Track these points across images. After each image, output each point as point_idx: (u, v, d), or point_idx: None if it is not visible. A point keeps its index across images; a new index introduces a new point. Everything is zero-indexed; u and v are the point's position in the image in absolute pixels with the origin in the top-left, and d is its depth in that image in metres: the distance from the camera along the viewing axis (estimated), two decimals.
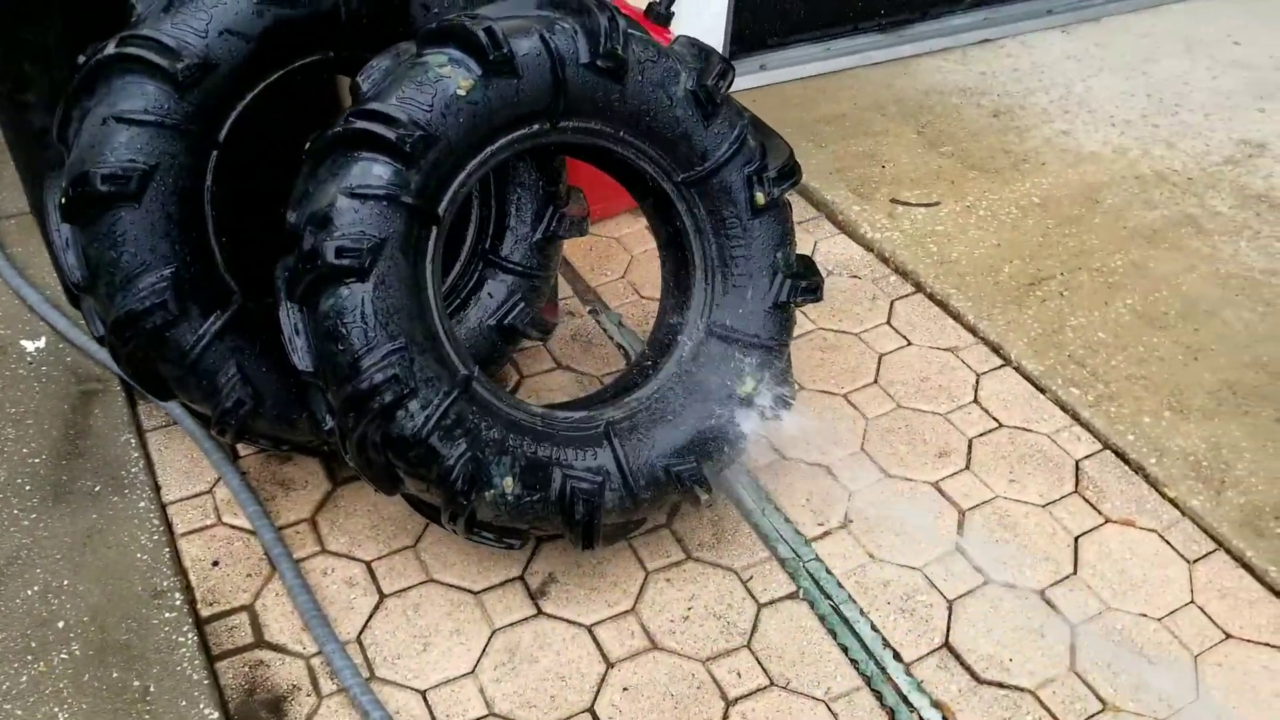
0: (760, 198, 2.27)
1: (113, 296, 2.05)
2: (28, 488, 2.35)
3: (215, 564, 2.27)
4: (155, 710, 1.98)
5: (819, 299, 2.34)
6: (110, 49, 2.00)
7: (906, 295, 3.09)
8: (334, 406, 2.02)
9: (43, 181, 2.41)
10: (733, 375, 2.27)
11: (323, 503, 2.41)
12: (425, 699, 2.06)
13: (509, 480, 2.03)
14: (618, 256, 3.18)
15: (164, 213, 2.04)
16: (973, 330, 2.96)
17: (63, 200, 2.01)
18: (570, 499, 2.07)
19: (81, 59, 2.09)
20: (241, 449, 2.50)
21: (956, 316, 3.00)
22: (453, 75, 2.00)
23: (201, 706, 2.00)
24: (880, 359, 2.87)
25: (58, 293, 2.79)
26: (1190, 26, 4.54)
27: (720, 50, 3.10)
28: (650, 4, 3.18)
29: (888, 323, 2.99)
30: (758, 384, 2.25)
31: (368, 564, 2.29)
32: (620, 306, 3.02)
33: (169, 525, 2.33)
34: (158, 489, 2.40)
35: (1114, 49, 4.36)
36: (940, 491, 2.51)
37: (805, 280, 2.31)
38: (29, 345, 2.67)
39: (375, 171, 1.95)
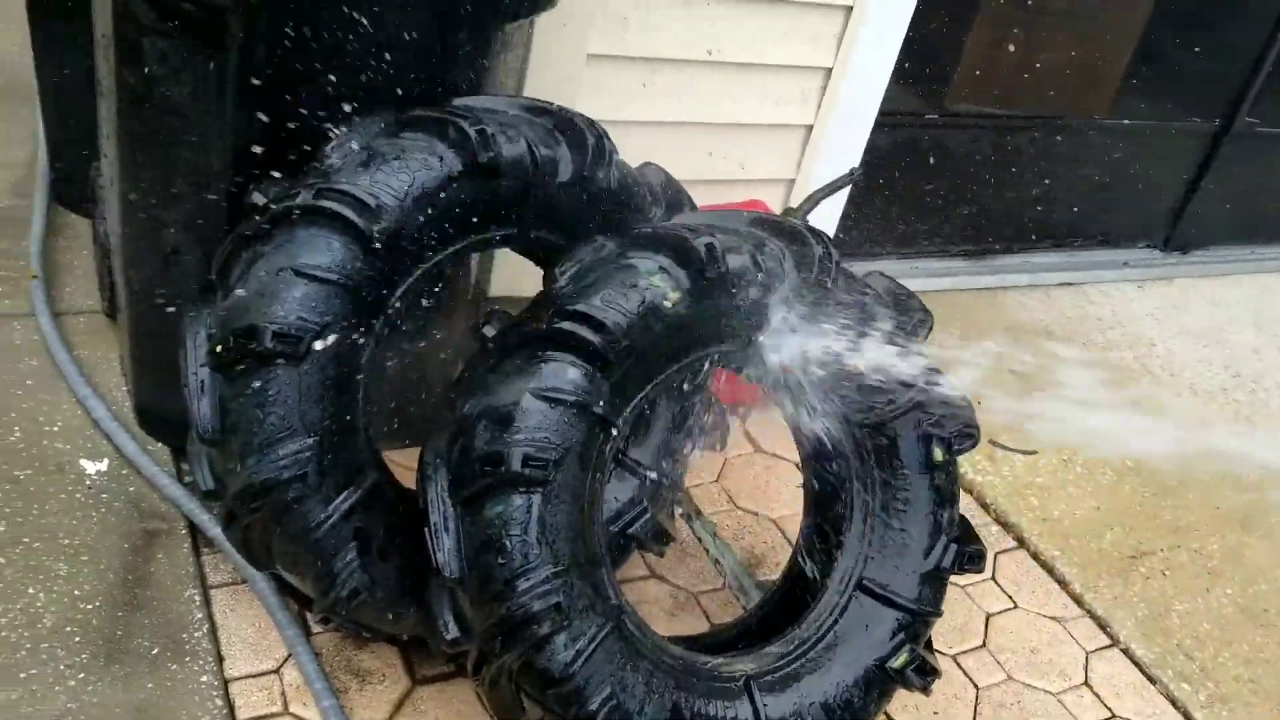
0: (938, 454, 2.13)
1: (246, 458, 1.84)
2: (77, 639, 2.08)
3: None
4: None
5: (980, 570, 2.19)
6: (305, 198, 1.84)
7: (1009, 549, 2.95)
8: (472, 622, 1.81)
9: (163, 300, 2.24)
10: (882, 640, 2.09)
11: (401, 703, 2.16)
12: None
13: None
14: (711, 460, 3.02)
15: (322, 376, 1.86)
16: (1078, 600, 2.83)
17: (218, 348, 1.82)
18: None
19: (259, 198, 1.93)
20: (314, 623, 2.25)
21: (1062, 582, 2.87)
22: (662, 285, 1.87)
23: None
24: (988, 619, 2.71)
25: (125, 409, 2.56)
26: (1260, 300, 4.59)
27: None
28: (786, 210, 3.11)
29: (992, 578, 2.84)
30: (910, 655, 2.07)
31: None
32: (714, 514, 2.84)
33: (231, 707, 2.06)
34: (220, 660, 2.14)
35: (1189, 313, 4.39)
36: None
37: (969, 547, 2.16)
38: (90, 467, 2.43)
39: (570, 375, 1.79)
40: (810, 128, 3.32)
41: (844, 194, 3.48)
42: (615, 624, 1.82)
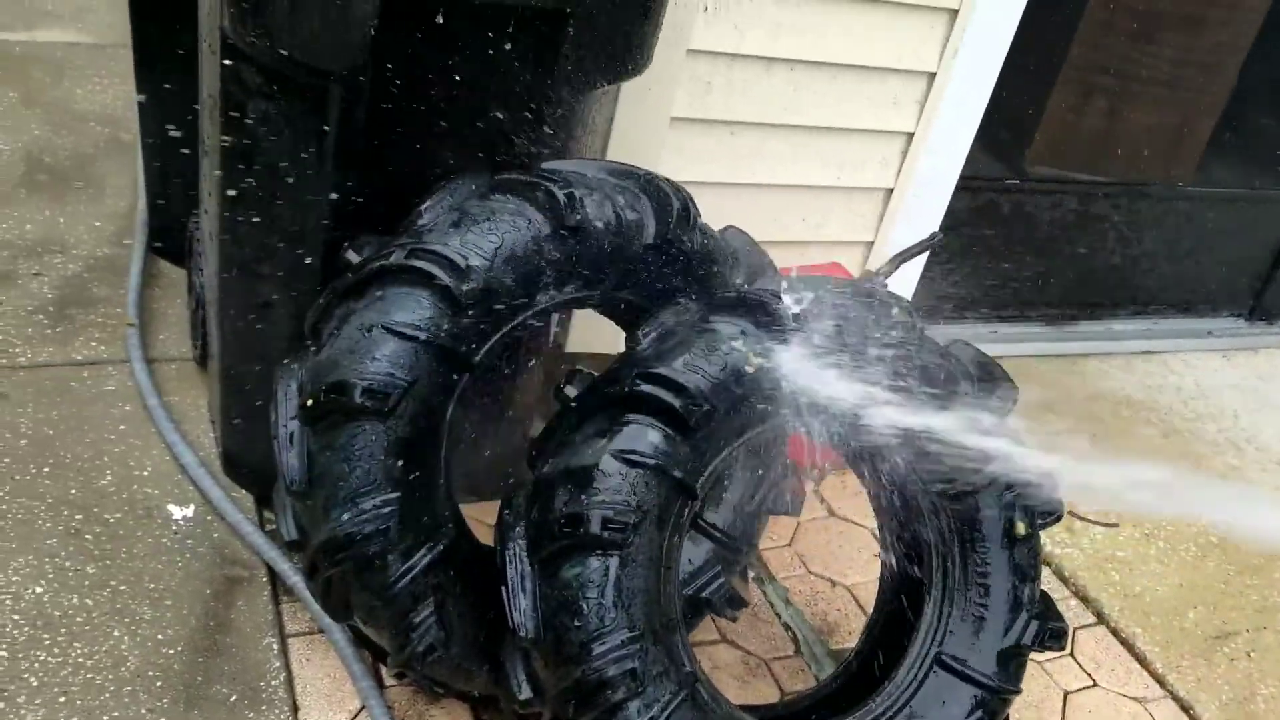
0: (1021, 528, 2.10)
1: (330, 511, 1.87)
2: (159, 684, 2.12)
3: None
4: None
5: (1061, 648, 2.14)
6: (396, 257, 1.89)
7: (1089, 625, 2.88)
8: (545, 684, 1.81)
9: (254, 351, 2.30)
10: (959, 717, 2.05)
11: None
12: None
13: None
14: (784, 523, 3.00)
15: (407, 432, 1.89)
16: (1160, 680, 2.74)
17: (310, 402, 1.86)
18: None
19: (353, 256, 1.98)
20: (387, 677, 2.27)
21: (1143, 661, 2.79)
22: (744, 349, 1.88)
23: None
24: (1065, 697, 2.64)
25: (213, 456, 2.63)
26: None
27: None
28: (865, 273, 3.11)
29: (1071, 654, 2.77)
30: None
31: None
32: (786, 579, 2.82)
33: None
34: (296, 709, 2.16)
35: (1276, 385, 4.27)
36: None
37: (1051, 625, 2.11)
38: (177, 512, 2.48)
39: (650, 438, 1.80)
40: (890, 191, 3.32)
41: (924, 258, 3.47)
42: (689, 692, 1.81)
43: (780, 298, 1.91)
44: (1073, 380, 3.98)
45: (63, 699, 2.04)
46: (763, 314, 1.90)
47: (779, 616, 2.69)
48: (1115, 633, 2.86)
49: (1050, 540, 3.10)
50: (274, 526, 2.40)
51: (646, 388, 1.81)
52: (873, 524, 3.02)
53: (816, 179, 3.18)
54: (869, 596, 2.78)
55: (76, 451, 2.55)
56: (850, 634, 2.68)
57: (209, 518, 2.49)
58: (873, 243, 3.42)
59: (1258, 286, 4.68)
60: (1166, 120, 4.10)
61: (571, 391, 1.93)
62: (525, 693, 1.87)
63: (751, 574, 2.80)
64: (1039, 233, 4.02)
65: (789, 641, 2.63)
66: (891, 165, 3.28)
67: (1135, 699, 2.68)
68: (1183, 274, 4.46)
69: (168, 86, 2.74)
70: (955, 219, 3.49)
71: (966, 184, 3.45)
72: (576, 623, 1.74)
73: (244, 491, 2.56)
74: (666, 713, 1.76)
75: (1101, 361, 4.15)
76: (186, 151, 2.53)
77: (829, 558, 2.91)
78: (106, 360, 2.85)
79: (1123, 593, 2.98)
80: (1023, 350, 4.01)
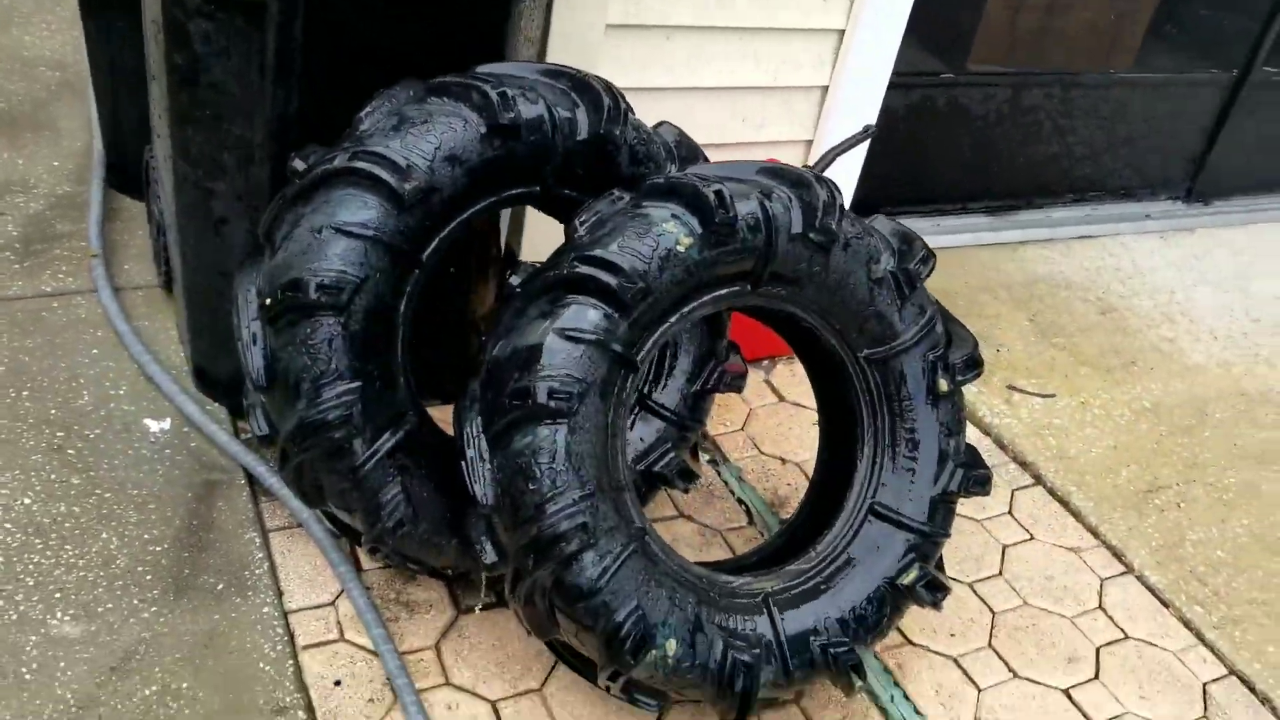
0: (943, 384, 2.26)
1: (295, 402, 2.00)
2: (149, 577, 2.27)
3: (337, 683, 2.17)
4: None
5: (987, 493, 2.31)
6: (340, 160, 2.00)
7: (1026, 486, 3.06)
8: (507, 545, 1.97)
9: (214, 267, 2.41)
10: (892, 560, 2.22)
11: (447, 630, 2.33)
12: None
13: (672, 643, 1.97)
14: (737, 408, 3.16)
15: (362, 326, 2.02)
16: (1094, 532, 2.93)
17: (268, 301, 1.98)
18: (731, 669, 2.00)
19: (299, 164, 2.09)
20: (365, 562, 2.42)
21: (1077, 515, 2.98)
22: (675, 231, 2.00)
23: None
24: (1004, 550, 2.82)
25: (183, 374, 2.75)
26: None
27: None
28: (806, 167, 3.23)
29: (1009, 512, 2.95)
30: (920, 572, 2.20)
31: (493, 704, 2.20)
32: (740, 460, 2.98)
33: (291, 635, 2.24)
34: (280, 594, 2.31)
35: (1210, 262, 4.44)
36: (1070, 699, 2.45)
37: (976, 472, 2.28)
38: (153, 425, 2.61)
39: (590, 316, 1.93)
40: (826, 89, 3.42)
41: (862, 152, 3.59)
42: (639, 544, 1.97)
43: (706, 181, 2.03)
44: (1012, 265, 4.13)
45: (58, 595, 2.18)
46: (691, 197, 2.01)
47: (732, 493, 2.86)
48: (1051, 492, 3.05)
49: (989, 411, 3.28)
50: (249, 435, 2.54)
51: (585, 269, 1.94)
52: None
53: (754, 80, 3.28)
54: None
55: (53, 376, 2.67)
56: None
57: (185, 429, 2.62)
58: (811, 141, 3.53)
59: (1193, 170, 4.83)
60: (1100, 9, 4.20)
61: (515, 280, 2.06)
62: (490, 556, 2.02)
63: (706, 456, 2.96)
64: (975, 125, 4.14)
65: (742, 514, 2.80)
66: (826, 64, 3.38)
67: (1070, 549, 2.87)
68: (1119, 160, 4.60)
69: (110, 19, 2.81)
70: (892, 115, 3.61)
71: (901, 79, 3.55)
72: (531, 486, 1.88)
73: (216, 405, 2.68)
74: (619, 562, 1.91)
75: (1042, 248, 4.30)
76: (135, 84, 2.61)
77: (779, 439, 3.07)
78: (74, 291, 2.95)
79: (1058, 456, 3.16)
80: (964, 241, 4.16)
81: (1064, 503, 3.01)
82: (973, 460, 2.32)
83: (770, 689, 2.07)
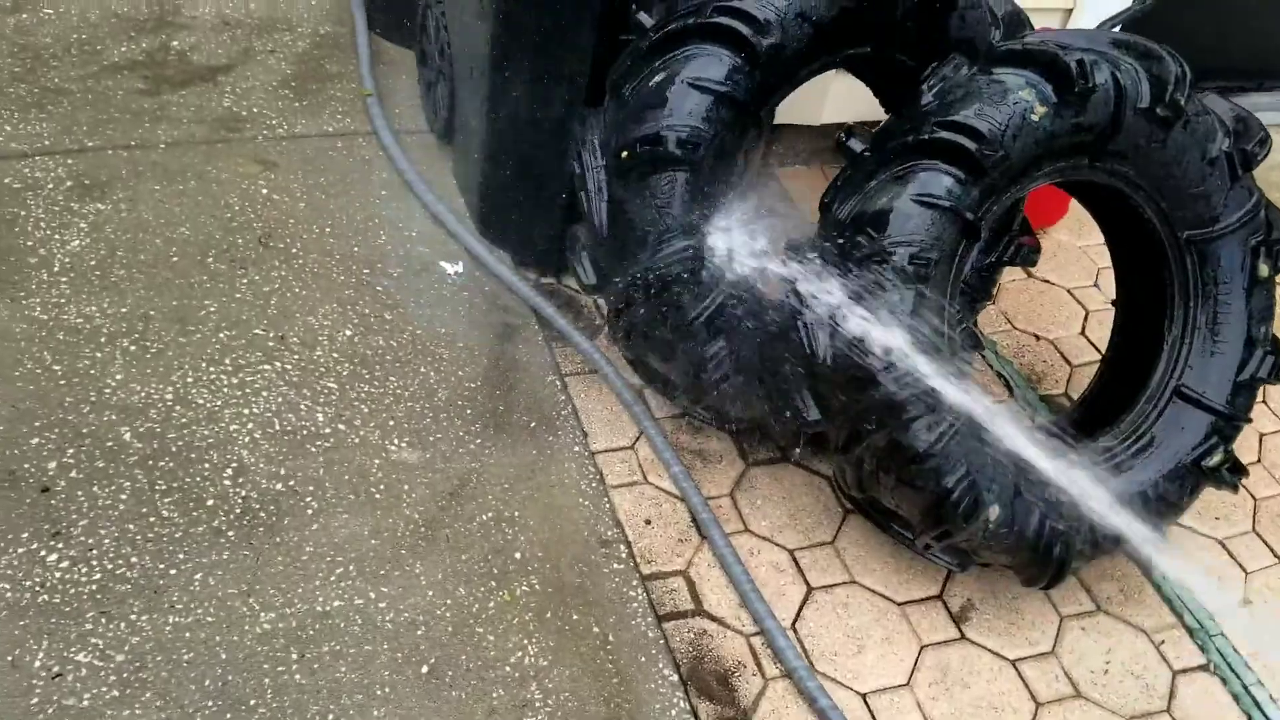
0: (1264, 269, 2.24)
1: (640, 254, 2.08)
2: (469, 411, 2.40)
3: (648, 522, 2.30)
4: (618, 662, 2.03)
5: None
6: (700, 16, 2.01)
7: None
8: (841, 406, 2.03)
9: (523, 119, 2.45)
10: (1194, 441, 2.25)
11: (738, 481, 2.44)
12: (866, 702, 2.08)
13: (995, 508, 2.04)
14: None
15: (707, 181, 2.06)
16: None
17: (624, 154, 2.04)
18: (1048, 537, 2.07)
19: (645, 19, 2.11)
20: (655, 410, 2.53)
21: None
22: (1030, 99, 1.99)
23: (660, 665, 2.04)
24: (1261, 439, 2.83)
25: (465, 220, 2.83)
26: None
27: None
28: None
29: (1263, 401, 2.94)
30: (1225, 455, 2.23)
31: (791, 552, 2.31)
32: (993, 334, 3.00)
33: (600, 475, 2.36)
34: (585, 435, 2.44)
35: None
36: None
37: None
38: (449, 268, 2.72)
39: (944, 182, 1.95)
40: None
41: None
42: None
43: (1065, 49, 2.00)
44: None
45: (391, 423, 2.33)
46: (1050, 66, 1.99)
47: (990, 366, 2.89)
48: None
49: None
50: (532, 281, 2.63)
51: (945, 134, 1.94)
52: (1070, 283, 3.19)
53: None
54: (1071, 349, 2.98)
55: (350, 214, 2.78)
56: (1057, 382, 2.88)
57: (476, 273, 2.72)
58: (1071, 10, 3.42)
59: None
60: None
61: (856, 145, 2.07)
62: (814, 414, 2.10)
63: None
64: None
65: (1003, 389, 2.83)
66: None
67: None
68: None
69: None
70: None
71: None
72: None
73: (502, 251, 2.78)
74: (956, 425, 1.98)
75: None
76: None
77: (1032, 315, 3.08)
78: (354, 132, 3.04)
79: None
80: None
81: None
82: (1277, 348, 2.31)
83: (1078, 559, 2.14)
